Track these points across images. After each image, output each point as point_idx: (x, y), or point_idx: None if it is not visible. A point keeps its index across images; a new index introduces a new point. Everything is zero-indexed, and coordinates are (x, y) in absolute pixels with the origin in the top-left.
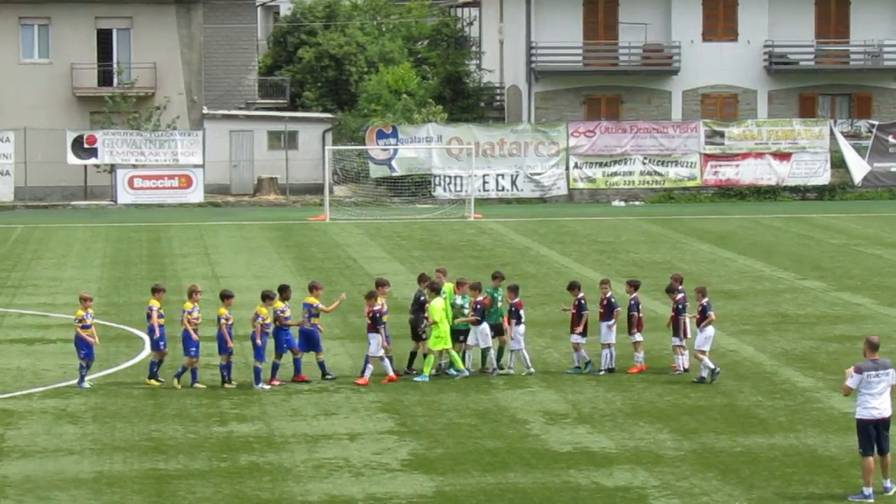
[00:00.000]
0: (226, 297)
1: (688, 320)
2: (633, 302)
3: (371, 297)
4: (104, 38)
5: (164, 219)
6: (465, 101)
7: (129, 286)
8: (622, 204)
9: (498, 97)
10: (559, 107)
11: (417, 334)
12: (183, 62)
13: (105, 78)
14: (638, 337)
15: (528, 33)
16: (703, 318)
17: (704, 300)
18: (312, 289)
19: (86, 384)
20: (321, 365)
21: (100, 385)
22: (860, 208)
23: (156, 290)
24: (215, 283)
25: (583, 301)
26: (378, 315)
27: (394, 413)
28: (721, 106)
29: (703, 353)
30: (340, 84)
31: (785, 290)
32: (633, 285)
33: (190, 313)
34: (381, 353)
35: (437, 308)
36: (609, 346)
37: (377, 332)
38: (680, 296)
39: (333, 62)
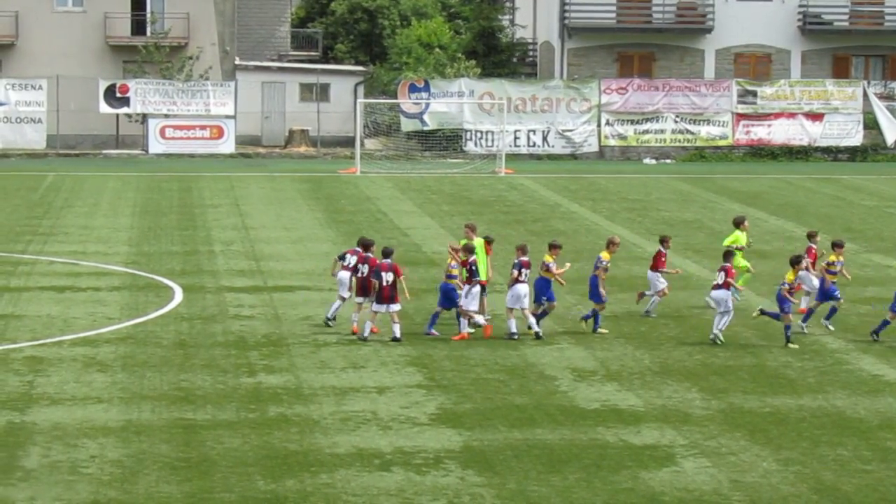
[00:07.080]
0: (553, 246)
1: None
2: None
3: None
4: None
5: (195, 169)
6: (497, 57)
7: (160, 236)
8: (653, 162)
9: (531, 53)
10: (592, 63)
11: None
12: (216, 13)
13: (138, 27)
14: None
15: None
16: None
17: (523, 258)
18: (551, 248)
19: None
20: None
21: (129, 334)
22: (892, 170)
23: (553, 247)
24: (245, 234)
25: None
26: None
27: (422, 367)
28: (754, 65)
29: (510, 310)
30: (373, 37)
31: None
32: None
33: (600, 261)
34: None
35: None
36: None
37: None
38: (472, 258)
39: (366, 15)
